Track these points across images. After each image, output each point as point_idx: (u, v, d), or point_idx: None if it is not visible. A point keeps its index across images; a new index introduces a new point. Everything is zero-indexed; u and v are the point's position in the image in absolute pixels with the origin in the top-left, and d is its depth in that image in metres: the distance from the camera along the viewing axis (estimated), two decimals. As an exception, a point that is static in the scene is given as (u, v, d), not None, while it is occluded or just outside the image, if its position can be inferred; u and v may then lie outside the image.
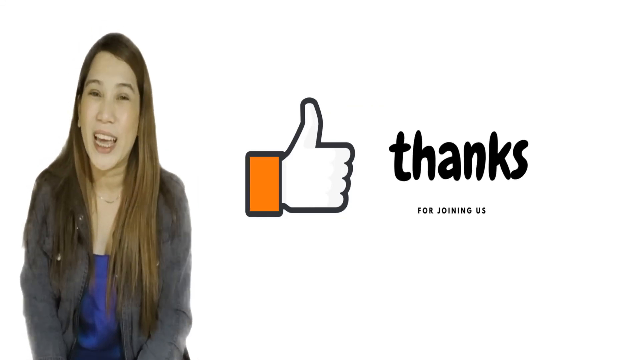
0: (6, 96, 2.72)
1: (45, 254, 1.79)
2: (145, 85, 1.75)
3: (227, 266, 2.78)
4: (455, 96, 2.74)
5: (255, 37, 2.73)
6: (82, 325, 1.83)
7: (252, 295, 2.79)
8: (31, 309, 1.82)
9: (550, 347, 2.80)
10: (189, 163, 2.38)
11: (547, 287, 2.79)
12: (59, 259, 1.75)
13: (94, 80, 1.70)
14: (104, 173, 1.75)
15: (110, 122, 1.67)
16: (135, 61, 1.74)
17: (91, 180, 1.77)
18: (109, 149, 1.68)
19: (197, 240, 1.96)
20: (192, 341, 2.01)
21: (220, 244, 2.75)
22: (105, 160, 1.68)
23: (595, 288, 2.79)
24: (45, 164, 1.90)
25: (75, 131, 1.76)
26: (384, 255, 2.76)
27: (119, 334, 1.82)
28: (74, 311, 1.79)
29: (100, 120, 1.67)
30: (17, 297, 1.91)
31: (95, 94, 1.70)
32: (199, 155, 2.71)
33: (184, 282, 1.85)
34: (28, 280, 1.83)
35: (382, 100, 2.72)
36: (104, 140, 1.69)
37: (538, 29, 2.75)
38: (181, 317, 1.84)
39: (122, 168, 1.76)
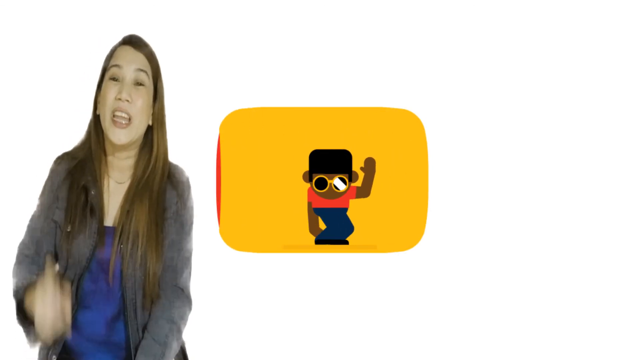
0: (6, 96, 2.73)
1: (54, 222, 1.89)
2: (158, 83, 1.94)
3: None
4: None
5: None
6: (85, 298, 1.89)
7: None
8: (18, 264, 1.89)
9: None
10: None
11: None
12: (69, 229, 1.87)
13: (115, 65, 1.89)
14: (116, 155, 1.92)
15: (127, 101, 1.86)
16: (153, 58, 1.94)
17: (105, 161, 1.93)
18: (125, 125, 1.86)
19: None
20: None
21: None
22: (121, 135, 1.86)
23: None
24: (45, 163, 1.98)
25: (94, 118, 1.92)
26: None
27: (122, 312, 1.89)
28: (78, 281, 1.87)
29: (119, 99, 1.86)
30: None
31: (115, 79, 1.88)
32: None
33: (185, 261, 1.94)
34: (24, 245, 1.91)
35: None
36: (120, 117, 1.87)
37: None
38: (180, 294, 1.92)
39: (134, 152, 1.93)
